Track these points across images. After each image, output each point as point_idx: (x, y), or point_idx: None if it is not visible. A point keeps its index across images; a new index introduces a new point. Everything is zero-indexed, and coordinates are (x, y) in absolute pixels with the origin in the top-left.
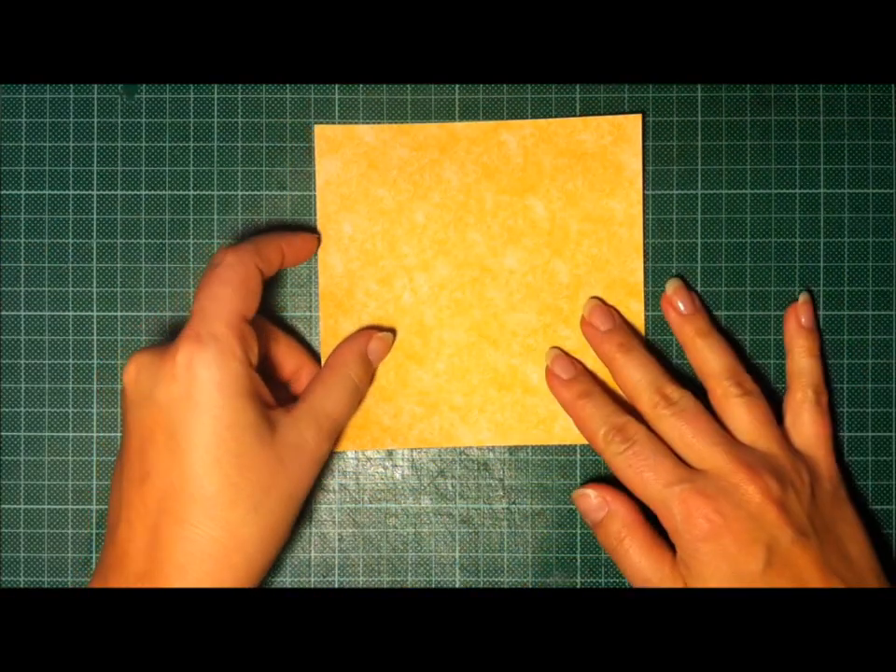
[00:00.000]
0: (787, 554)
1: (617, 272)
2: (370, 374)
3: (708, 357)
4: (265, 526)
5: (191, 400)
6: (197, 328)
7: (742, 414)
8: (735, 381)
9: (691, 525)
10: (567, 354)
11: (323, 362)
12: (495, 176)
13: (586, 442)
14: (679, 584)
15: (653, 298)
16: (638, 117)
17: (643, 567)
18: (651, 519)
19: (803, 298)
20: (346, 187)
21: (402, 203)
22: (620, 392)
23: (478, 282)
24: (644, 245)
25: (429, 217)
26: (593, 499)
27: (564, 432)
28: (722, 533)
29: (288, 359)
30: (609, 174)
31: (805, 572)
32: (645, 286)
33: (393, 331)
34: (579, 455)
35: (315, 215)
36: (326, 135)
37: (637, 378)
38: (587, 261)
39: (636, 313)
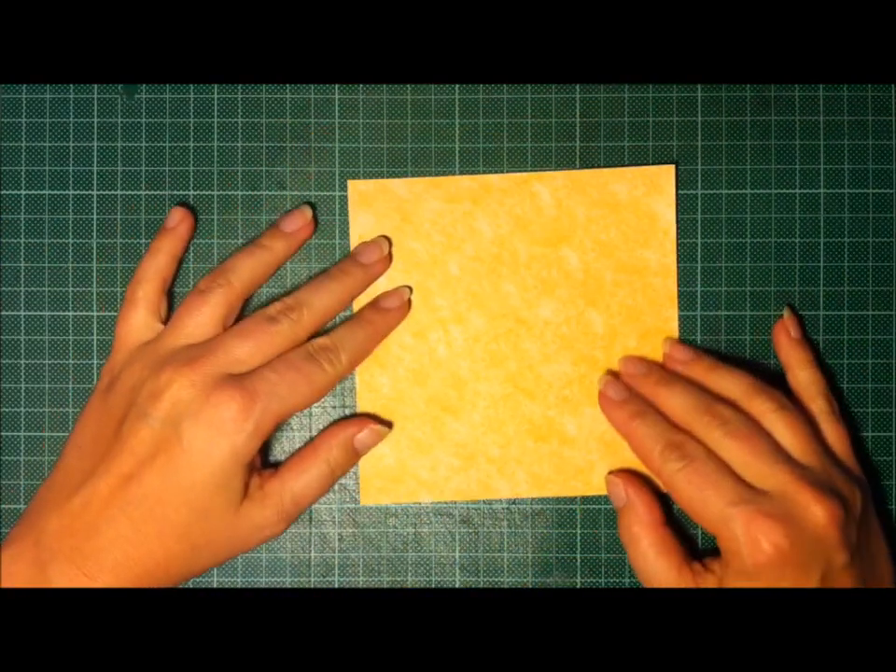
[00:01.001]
0: (836, 581)
1: (651, 321)
2: (351, 463)
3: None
4: (193, 563)
5: (205, 451)
6: (258, 387)
7: (781, 429)
8: (767, 395)
9: (755, 549)
10: (618, 377)
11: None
12: (528, 228)
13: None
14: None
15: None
16: (671, 168)
17: (654, 566)
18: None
19: (787, 314)
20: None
21: (436, 255)
22: None
23: (512, 333)
24: None
25: (463, 269)
26: (617, 488)
27: (602, 483)
28: (786, 562)
29: None
30: (642, 224)
31: None
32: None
33: (390, 424)
34: None
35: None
36: (359, 190)
37: (688, 403)
38: (622, 311)
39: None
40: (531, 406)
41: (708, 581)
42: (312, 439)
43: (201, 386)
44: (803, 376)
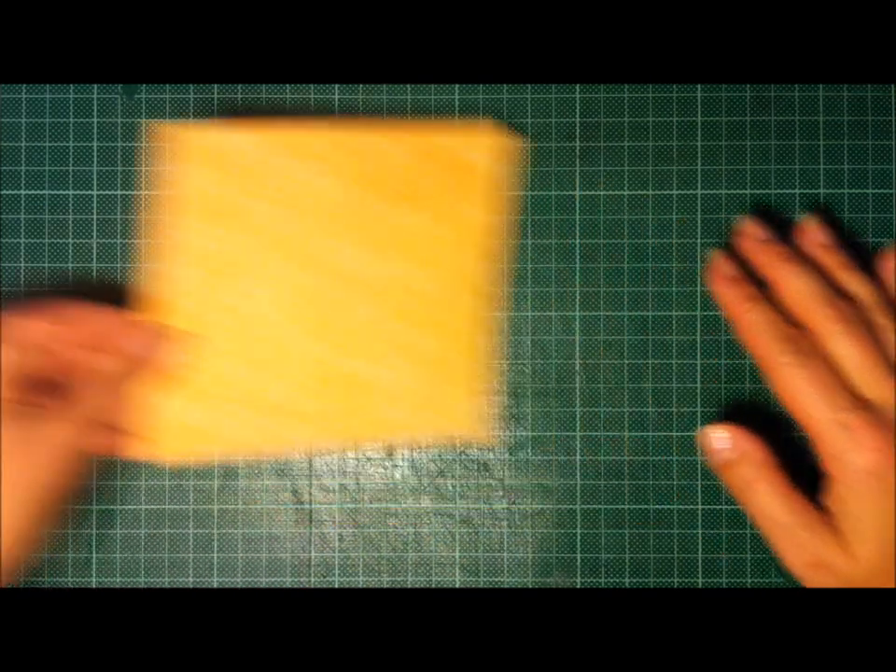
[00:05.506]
0: None
1: (484, 280)
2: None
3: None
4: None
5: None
6: None
7: None
8: (892, 311)
9: (860, 454)
10: (728, 255)
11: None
12: (368, 187)
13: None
14: (814, 528)
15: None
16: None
17: (775, 508)
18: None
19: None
20: (208, 194)
21: (271, 211)
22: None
23: (343, 292)
24: (645, 245)
25: (289, 224)
26: (724, 440)
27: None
28: (891, 468)
29: None
30: (476, 183)
31: None
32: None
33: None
34: (578, 456)
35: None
36: (182, 137)
37: (813, 288)
38: (453, 271)
39: (498, 320)
40: (352, 363)
41: (830, 512)
42: None
43: None
44: None
